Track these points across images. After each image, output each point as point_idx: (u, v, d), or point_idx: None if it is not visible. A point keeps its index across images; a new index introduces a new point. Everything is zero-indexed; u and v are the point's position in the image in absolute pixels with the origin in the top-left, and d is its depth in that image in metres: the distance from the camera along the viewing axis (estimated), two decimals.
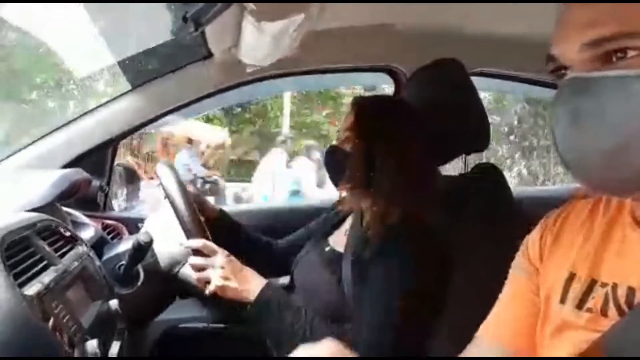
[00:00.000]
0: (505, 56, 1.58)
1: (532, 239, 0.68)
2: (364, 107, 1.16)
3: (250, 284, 1.06)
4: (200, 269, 1.08)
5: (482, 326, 0.70)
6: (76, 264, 0.90)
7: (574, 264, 0.60)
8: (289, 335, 1.02)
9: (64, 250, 0.93)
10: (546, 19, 0.57)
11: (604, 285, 0.55)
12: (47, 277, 0.77)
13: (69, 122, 1.47)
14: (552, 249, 0.64)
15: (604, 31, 0.47)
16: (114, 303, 0.94)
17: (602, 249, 0.57)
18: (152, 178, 5.56)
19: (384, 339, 0.98)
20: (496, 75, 1.65)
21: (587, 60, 0.48)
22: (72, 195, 1.22)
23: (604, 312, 0.53)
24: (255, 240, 1.38)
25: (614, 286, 0.53)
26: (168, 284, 1.15)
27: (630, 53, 0.46)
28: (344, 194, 1.26)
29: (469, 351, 0.70)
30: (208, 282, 1.07)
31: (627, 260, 0.53)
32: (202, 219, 1.15)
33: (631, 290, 0.51)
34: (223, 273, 1.05)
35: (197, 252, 1.08)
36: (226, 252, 1.08)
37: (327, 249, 1.21)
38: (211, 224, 1.30)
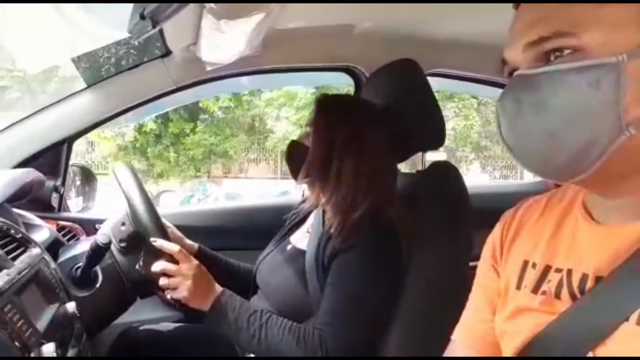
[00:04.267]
0: (460, 58, 1.64)
1: (493, 238, 0.71)
2: (325, 104, 1.18)
3: (213, 295, 1.06)
4: (166, 274, 1.06)
5: (455, 330, 0.74)
6: (30, 266, 0.87)
7: (529, 252, 0.64)
8: (247, 339, 1.03)
9: (17, 253, 0.90)
10: (498, 22, 0.61)
11: (558, 270, 0.59)
12: None
13: (21, 120, 1.42)
14: (512, 242, 0.68)
15: (543, 31, 0.51)
16: (71, 306, 0.92)
17: (556, 237, 0.61)
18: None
19: (347, 328, 1.01)
20: (450, 76, 1.71)
21: (531, 59, 0.53)
22: (24, 196, 1.18)
23: (557, 295, 0.57)
24: (238, 270, 1.37)
25: (569, 272, 0.57)
26: (127, 285, 1.14)
27: (566, 52, 0.51)
28: (307, 192, 1.27)
29: (447, 356, 0.73)
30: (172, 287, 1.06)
31: (580, 248, 0.57)
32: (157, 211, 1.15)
33: (585, 277, 0.55)
34: (191, 283, 1.04)
35: (162, 254, 1.07)
36: (196, 262, 1.07)
37: (289, 247, 1.22)
38: None
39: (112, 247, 1.12)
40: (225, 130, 9.37)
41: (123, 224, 1.15)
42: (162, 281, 1.06)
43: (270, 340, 1.01)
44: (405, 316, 1.04)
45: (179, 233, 1.30)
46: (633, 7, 0.49)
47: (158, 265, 1.06)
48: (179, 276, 1.05)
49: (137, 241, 1.13)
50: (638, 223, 0.52)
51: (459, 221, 1.12)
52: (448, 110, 9.63)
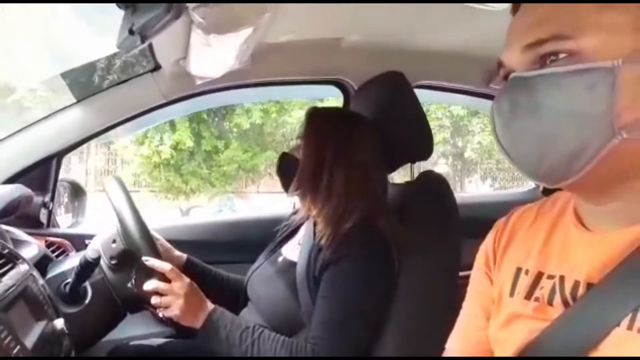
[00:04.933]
0: (446, 69, 1.66)
1: (485, 246, 0.72)
2: (316, 116, 1.20)
3: (205, 313, 1.06)
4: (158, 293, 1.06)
5: (450, 338, 0.74)
6: (17, 283, 0.87)
7: (522, 260, 0.64)
8: (240, 354, 1.02)
9: (4, 269, 0.89)
10: (484, 34, 0.62)
11: (550, 277, 0.59)
12: None
13: (10, 136, 1.42)
14: (504, 250, 0.68)
15: (541, 33, 0.52)
16: (59, 322, 0.91)
17: (548, 244, 0.62)
18: None
19: (340, 340, 1.00)
20: (437, 88, 1.73)
21: (527, 62, 0.54)
22: (12, 212, 1.17)
23: (549, 302, 0.58)
24: (227, 281, 1.37)
25: (561, 278, 0.58)
26: (117, 301, 1.12)
27: (561, 55, 0.51)
28: (298, 204, 1.28)
29: None
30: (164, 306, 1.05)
31: (572, 255, 0.58)
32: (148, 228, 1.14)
33: (577, 284, 0.56)
34: (182, 301, 1.04)
35: (154, 272, 1.06)
36: (188, 280, 1.07)
37: (280, 259, 1.22)
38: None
39: (102, 263, 1.11)
40: (254, 147, 9.51)
41: (114, 241, 1.14)
42: (154, 300, 1.06)
43: (264, 357, 1.01)
44: (396, 326, 1.04)
45: (167, 245, 1.30)
46: (630, 12, 0.50)
47: (150, 284, 1.06)
48: (171, 295, 1.05)
49: (128, 259, 1.12)
50: (628, 229, 0.53)
51: (448, 231, 1.13)
52: (474, 126, 9.74)
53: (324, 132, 1.15)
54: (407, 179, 1.30)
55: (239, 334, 1.03)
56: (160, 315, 1.08)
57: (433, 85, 1.70)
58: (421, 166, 1.37)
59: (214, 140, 9.08)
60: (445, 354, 0.74)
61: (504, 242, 0.69)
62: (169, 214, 8.08)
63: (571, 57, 0.51)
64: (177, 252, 1.31)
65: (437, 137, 10.01)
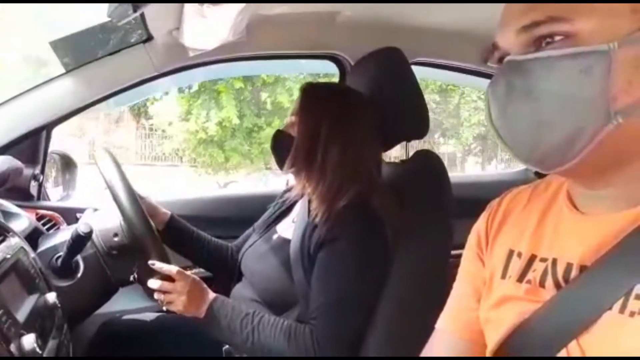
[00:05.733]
0: (444, 47, 1.64)
1: (478, 227, 0.72)
2: (311, 92, 1.18)
3: (206, 304, 1.06)
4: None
5: (440, 318, 0.74)
6: (8, 256, 0.86)
7: (515, 242, 0.64)
8: (242, 342, 1.04)
9: None
10: (483, 12, 0.60)
11: (543, 260, 0.59)
12: None
13: None
14: (497, 232, 0.68)
15: (536, 15, 0.51)
16: (51, 296, 0.91)
17: (541, 227, 0.62)
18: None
19: (337, 320, 1.01)
20: (434, 65, 1.71)
21: (523, 44, 0.53)
22: (2, 184, 1.15)
23: (541, 284, 0.58)
24: (208, 244, 1.37)
25: (554, 261, 0.58)
26: (109, 273, 1.12)
27: (557, 38, 0.50)
28: (292, 181, 1.27)
29: (431, 344, 0.74)
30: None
31: (565, 238, 0.58)
32: (152, 224, 1.14)
33: (569, 266, 0.56)
34: (185, 298, 1.05)
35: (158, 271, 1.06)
36: (191, 277, 1.07)
37: (274, 236, 1.22)
38: (163, 229, 1.30)
39: (99, 247, 1.12)
40: None
41: (115, 234, 1.13)
42: (157, 296, 1.07)
43: (264, 342, 1.02)
44: (390, 304, 1.05)
45: (153, 203, 1.31)
46: None
47: (154, 283, 1.06)
48: (174, 293, 1.06)
49: (129, 252, 1.12)
50: (622, 213, 0.53)
51: (441, 209, 1.13)
52: None
53: (318, 109, 1.14)
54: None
55: (239, 321, 1.04)
56: (163, 308, 1.09)
57: (431, 62, 1.68)
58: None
59: (254, 117, 9.18)
60: (435, 333, 0.74)
61: (496, 223, 0.69)
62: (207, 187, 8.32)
63: (567, 40, 0.50)
64: (162, 210, 1.33)
65: (473, 119, 10.03)
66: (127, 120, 10.25)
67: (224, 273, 1.34)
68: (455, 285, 0.74)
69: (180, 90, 8.67)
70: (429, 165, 1.17)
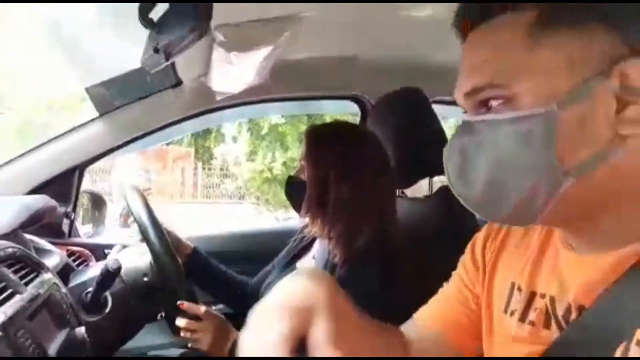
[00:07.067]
0: None
1: (479, 239, 0.72)
2: (314, 136, 1.16)
3: (230, 342, 1.07)
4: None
5: (420, 310, 0.75)
6: (42, 291, 0.89)
7: (515, 273, 0.63)
8: None
9: (29, 278, 0.91)
10: None
11: (542, 296, 0.58)
12: (11, 306, 0.76)
13: (35, 148, 1.46)
14: (496, 255, 0.68)
15: (476, 82, 0.52)
16: (80, 331, 0.93)
17: (540, 261, 0.61)
18: None
19: None
20: (455, 103, 1.73)
21: (472, 106, 0.54)
22: (37, 222, 1.19)
23: (545, 325, 0.57)
24: (230, 279, 1.39)
25: (552, 299, 0.57)
26: (137, 311, 1.14)
27: (497, 102, 0.50)
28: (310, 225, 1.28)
29: (405, 328, 0.75)
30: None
31: (562, 276, 0.57)
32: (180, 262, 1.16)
33: (569, 306, 0.54)
34: (210, 336, 1.06)
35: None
36: (218, 317, 1.09)
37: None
38: (184, 261, 1.31)
39: (126, 280, 1.13)
40: None
41: (145, 274, 1.15)
42: (183, 334, 1.08)
43: None
44: None
45: (176, 235, 1.33)
46: (562, 52, 0.48)
47: (181, 322, 1.08)
48: (200, 332, 1.07)
49: (158, 293, 1.14)
50: (616, 252, 0.51)
51: (460, 251, 1.12)
52: None
53: (323, 150, 1.13)
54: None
55: None
56: (188, 345, 1.11)
57: (450, 100, 1.70)
58: None
59: None
60: (409, 321, 0.75)
61: (495, 245, 0.68)
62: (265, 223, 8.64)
63: (507, 104, 0.49)
64: (185, 242, 1.35)
65: None
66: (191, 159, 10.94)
67: (244, 310, 1.34)
68: (445, 284, 0.76)
69: (250, 131, 9.27)
70: (452, 204, 1.17)
